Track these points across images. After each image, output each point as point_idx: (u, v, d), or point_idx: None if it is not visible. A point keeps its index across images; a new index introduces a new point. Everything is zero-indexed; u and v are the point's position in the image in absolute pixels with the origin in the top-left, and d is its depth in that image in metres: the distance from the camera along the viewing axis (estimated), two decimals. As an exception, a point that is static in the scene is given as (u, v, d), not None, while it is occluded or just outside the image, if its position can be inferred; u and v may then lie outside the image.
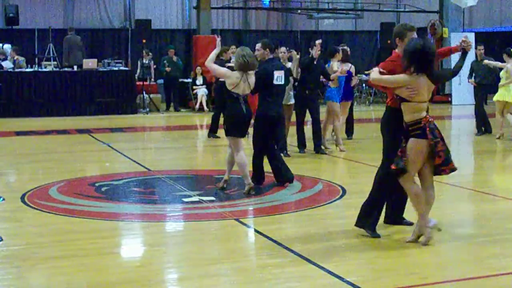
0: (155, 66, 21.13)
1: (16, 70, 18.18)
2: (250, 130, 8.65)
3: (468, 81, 14.12)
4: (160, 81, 21.09)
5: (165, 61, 19.66)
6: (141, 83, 19.32)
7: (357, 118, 14.19)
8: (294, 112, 11.14)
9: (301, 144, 11.17)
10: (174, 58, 19.91)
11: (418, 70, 5.63)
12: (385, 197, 6.14)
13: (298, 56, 11.25)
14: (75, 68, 18.42)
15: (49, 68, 18.90)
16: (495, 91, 13.10)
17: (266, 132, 8.36)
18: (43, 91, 18.05)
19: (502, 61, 12.92)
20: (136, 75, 19.83)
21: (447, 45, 20.83)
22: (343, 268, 5.14)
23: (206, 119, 16.95)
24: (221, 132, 13.59)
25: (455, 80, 21.22)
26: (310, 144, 11.22)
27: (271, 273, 5.12)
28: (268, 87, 8.28)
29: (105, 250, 5.83)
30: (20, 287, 4.99)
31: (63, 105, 18.14)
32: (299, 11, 26.19)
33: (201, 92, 19.44)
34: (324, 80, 11.13)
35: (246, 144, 9.01)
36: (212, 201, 7.63)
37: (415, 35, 5.91)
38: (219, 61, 13.75)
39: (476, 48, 13.91)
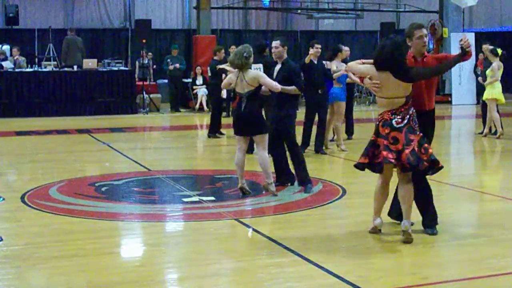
0: (154, 66, 21.11)
1: (16, 70, 18.19)
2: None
3: (478, 79, 14.14)
4: (161, 80, 21.06)
5: (168, 60, 19.55)
6: (141, 83, 19.32)
7: (357, 118, 14.19)
8: (304, 112, 11.12)
9: (304, 144, 11.12)
10: (178, 58, 19.81)
11: (380, 66, 5.79)
12: (430, 190, 6.16)
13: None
14: (75, 68, 18.41)
15: (49, 68, 18.88)
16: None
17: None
18: (43, 91, 18.04)
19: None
20: (136, 75, 19.82)
21: (447, 45, 20.93)
22: (343, 268, 5.14)
23: (206, 119, 16.93)
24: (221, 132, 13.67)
25: (455, 80, 21.24)
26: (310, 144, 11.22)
27: (271, 273, 5.12)
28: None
29: (105, 250, 5.83)
30: (20, 287, 4.99)
31: (63, 105, 18.13)
32: (299, 11, 26.22)
33: (201, 92, 19.43)
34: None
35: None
36: (212, 201, 7.64)
37: (423, 32, 5.97)
38: (213, 61, 13.76)
39: (481, 48, 13.95)
